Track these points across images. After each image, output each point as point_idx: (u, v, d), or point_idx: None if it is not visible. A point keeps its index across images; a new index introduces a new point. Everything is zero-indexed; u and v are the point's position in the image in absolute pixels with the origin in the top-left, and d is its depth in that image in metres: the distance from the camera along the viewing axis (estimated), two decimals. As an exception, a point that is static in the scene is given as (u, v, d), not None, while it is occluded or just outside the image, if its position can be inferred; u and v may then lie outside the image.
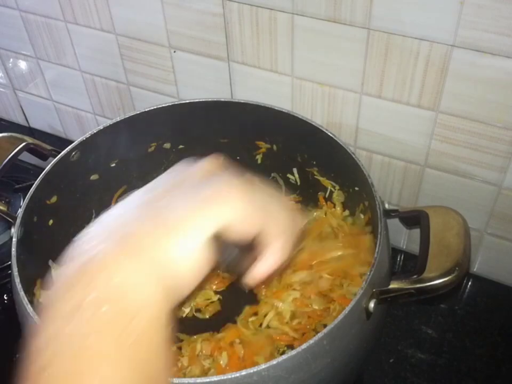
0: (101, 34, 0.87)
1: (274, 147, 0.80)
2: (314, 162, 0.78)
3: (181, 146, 0.82)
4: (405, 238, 0.87)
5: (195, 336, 0.69)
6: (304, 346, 0.49)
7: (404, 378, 0.73)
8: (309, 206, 0.80)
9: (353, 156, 0.66)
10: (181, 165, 0.43)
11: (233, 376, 0.48)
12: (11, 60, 1.03)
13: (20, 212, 0.64)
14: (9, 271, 0.58)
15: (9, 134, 0.74)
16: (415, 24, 0.62)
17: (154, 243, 0.35)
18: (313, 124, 0.71)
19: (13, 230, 0.62)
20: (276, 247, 0.41)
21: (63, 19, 0.89)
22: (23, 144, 0.71)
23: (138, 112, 0.74)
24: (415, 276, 0.55)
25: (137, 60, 0.88)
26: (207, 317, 0.74)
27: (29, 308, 0.54)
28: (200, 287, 0.75)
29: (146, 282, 0.33)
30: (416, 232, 0.76)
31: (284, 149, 0.80)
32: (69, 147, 0.71)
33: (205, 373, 0.66)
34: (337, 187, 0.77)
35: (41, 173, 0.68)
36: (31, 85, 1.06)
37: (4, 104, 1.14)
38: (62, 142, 1.08)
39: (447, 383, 0.73)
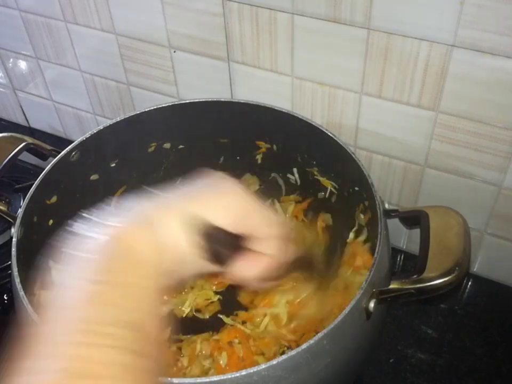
0: (101, 34, 0.87)
1: (274, 147, 0.80)
2: (314, 162, 0.78)
3: (181, 146, 0.82)
4: (405, 238, 0.87)
5: (195, 336, 0.69)
6: (304, 346, 0.49)
7: (403, 378, 0.73)
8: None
9: (353, 156, 0.66)
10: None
11: (233, 376, 0.48)
12: (11, 59, 1.03)
13: (20, 212, 0.64)
14: (9, 271, 0.58)
15: (9, 134, 0.74)
16: (415, 24, 0.62)
17: (160, 220, 0.39)
18: (313, 123, 0.71)
19: (13, 230, 0.62)
20: (269, 248, 0.42)
21: (63, 19, 0.89)
22: (23, 144, 0.71)
23: (138, 112, 0.74)
24: (415, 276, 0.55)
25: (137, 59, 0.88)
26: (207, 317, 0.74)
27: (29, 308, 0.54)
28: (201, 286, 0.75)
29: (148, 245, 0.37)
30: (416, 232, 0.76)
31: (284, 149, 0.80)
32: (69, 147, 0.70)
33: (205, 373, 0.66)
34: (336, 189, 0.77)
35: (41, 173, 0.68)
36: (31, 85, 1.06)
37: (4, 104, 1.14)
38: (62, 142, 1.08)
39: (447, 383, 0.73)
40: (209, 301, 0.75)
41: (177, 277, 0.40)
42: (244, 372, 0.48)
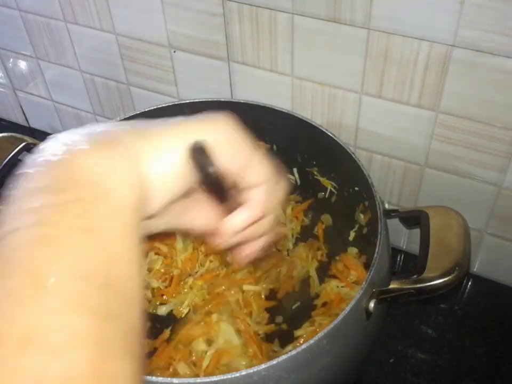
0: (101, 34, 0.87)
1: (274, 147, 0.80)
2: (314, 162, 0.78)
3: (181, 146, 0.81)
4: (405, 238, 0.87)
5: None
6: (304, 346, 0.49)
7: (403, 378, 0.73)
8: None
9: (353, 156, 0.66)
10: None
11: (233, 376, 0.48)
12: (11, 60, 1.03)
13: (20, 211, 0.63)
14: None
15: (9, 134, 0.74)
16: (415, 24, 0.62)
17: (133, 144, 0.33)
18: (313, 123, 0.71)
19: (13, 230, 0.62)
20: (258, 198, 0.38)
21: (63, 19, 0.89)
22: (23, 144, 0.71)
23: (138, 112, 0.74)
24: (415, 276, 0.55)
25: (137, 59, 0.88)
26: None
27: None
28: (200, 286, 0.75)
29: (123, 177, 0.31)
30: (416, 232, 0.76)
31: (284, 149, 0.80)
32: (69, 147, 0.70)
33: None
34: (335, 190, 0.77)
35: (41, 173, 0.67)
36: (31, 85, 1.06)
37: (4, 104, 1.14)
38: (62, 142, 1.08)
39: (447, 383, 0.73)
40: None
41: (162, 217, 0.35)
42: (243, 372, 0.48)
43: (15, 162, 0.71)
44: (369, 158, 0.79)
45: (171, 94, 0.90)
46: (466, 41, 0.61)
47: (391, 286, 0.56)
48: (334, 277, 0.74)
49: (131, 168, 0.32)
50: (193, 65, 0.83)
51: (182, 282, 0.76)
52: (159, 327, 0.73)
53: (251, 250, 0.43)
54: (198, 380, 0.47)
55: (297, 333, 0.69)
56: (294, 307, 0.74)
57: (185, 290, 0.75)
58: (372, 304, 0.55)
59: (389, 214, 0.64)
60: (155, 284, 0.76)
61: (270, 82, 0.78)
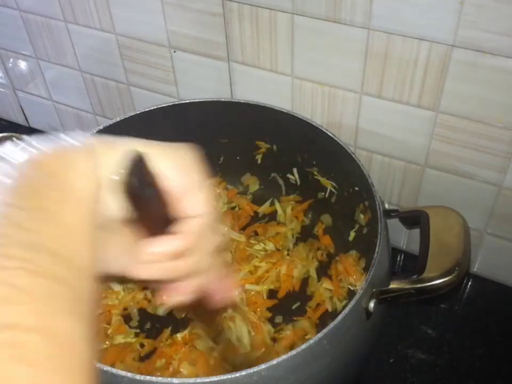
0: (101, 34, 0.87)
1: (274, 147, 0.80)
2: (314, 162, 0.78)
3: (181, 146, 0.81)
4: (405, 238, 0.87)
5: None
6: (304, 346, 0.49)
7: (403, 378, 0.73)
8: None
9: (353, 156, 0.66)
10: None
11: (233, 376, 0.48)
12: (11, 59, 1.03)
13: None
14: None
15: (9, 134, 0.74)
16: (415, 24, 0.62)
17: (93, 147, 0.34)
18: (313, 123, 0.71)
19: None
20: (189, 229, 0.36)
21: (63, 19, 0.89)
22: (23, 144, 0.71)
23: (138, 112, 0.74)
24: (415, 276, 0.55)
25: (137, 59, 0.88)
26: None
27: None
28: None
29: (81, 168, 0.32)
30: (416, 232, 0.76)
31: (284, 149, 0.80)
32: (69, 147, 0.70)
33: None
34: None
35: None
36: (31, 85, 1.06)
37: (4, 104, 1.14)
38: (62, 142, 1.08)
39: (447, 383, 0.73)
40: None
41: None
42: (243, 372, 0.48)
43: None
44: (369, 158, 0.79)
45: (171, 94, 0.90)
46: (466, 41, 0.61)
47: (391, 286, 0.56)
48: (330, 278, 0.74)
49: (89, 164, 0.33)
50: (193, 65, 0.83)
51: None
52: (159, 327, 0.73)
53: (177, 290, 0.38)
54: (198, 380, 0.47)
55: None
56: (294, 307, 0.74)
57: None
58: (372, 304, 0.55)
59: (389, 214, 0.64)
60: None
61: (270, 82, 0.78)
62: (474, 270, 0.84)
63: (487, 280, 0.83)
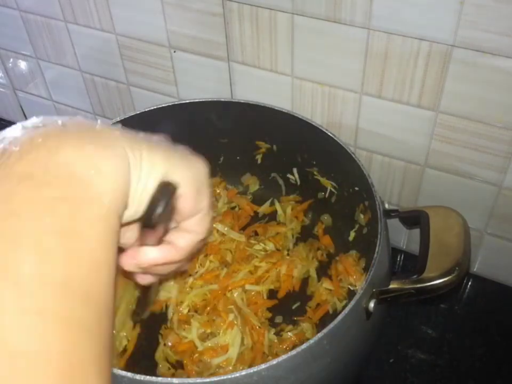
0: (101, 34, 0.87)
1: (274, 147, 0.80)
2: (314, 162, 0.78)
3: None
4: (405, 238, 0.87)
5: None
6: (304, 346, 0.49)
7: (403, 378, 0.73)
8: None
9: (353, 156, 0.66)
10: None
11: (233, 376, 0.48)
12: (11, 59, 1.03)
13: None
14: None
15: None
16: (415, 24, 0.62)
17: (123, 144, 0.32)
18: (313, 123, 0.71)
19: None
20: (184, 244, 0.39)
21: (63, 19, 0.89)
22: (23, 144, 0.71)
23: (138, 112, 0.74)
24: (415, 276, 0.55)
25: (137, 59, 0.88)
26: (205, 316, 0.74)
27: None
28: (199, 286, 0.75)
29: (107, 171, 0.29)
30: (416, 232, 0.76)
31: (284, 149, 0.80)
32: (69, 147, 0.70)
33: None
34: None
35: (41, 173, 0.67)
36: (31, 85, 1.06)
37: (4, 104, 1.14)
38: (62, 142, 1.08)
39: (447, 383, 0.73)
40: (206, 301, 0.75)
41: None
42: (243, 372, 0.48)
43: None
44: (369, 158, 0.79)
45: (171, 94, 0.90)
46: (466, 41, 0.61)
47: (391, 286, 0.56)
48: (330, 278, 0.74)
49: (120, 170, 0.30)
50: (193, 65, 0.83)
51: (181, 282, 0.76)
52: (159, 327, 0.73)
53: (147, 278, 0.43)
54: (198, 380, 0.47)
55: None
56: (294, 307, 0.74)
57: (186, 290, 0.75)
58: (372, 304, 0.55)
59: (389, 214, 0.64)
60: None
61: (270, 82, 0.78)
62: (474, 270, 0.84)
63: (487, 280, 0.83)
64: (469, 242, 0.58)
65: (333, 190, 0.78)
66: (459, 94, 0.66)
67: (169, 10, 0.78)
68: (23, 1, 0.91)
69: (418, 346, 0.76)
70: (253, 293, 0.74)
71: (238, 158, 0.84)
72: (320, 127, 0.70)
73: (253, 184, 0.87)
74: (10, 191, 0.26)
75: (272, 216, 0.84)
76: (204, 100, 0.76)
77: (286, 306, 0.74)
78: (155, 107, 0.75)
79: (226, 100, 0.78)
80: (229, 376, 0.47)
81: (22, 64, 1.03)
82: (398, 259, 0.87)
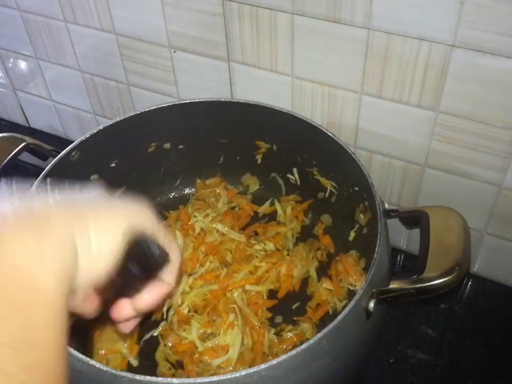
0: (101, 34, 0.87)
1: (274, 147, 0.80)
2: (314, 162, 0.78)
3: (181, 146, 0.82)
4: (405, 238, 0.87)
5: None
6: (304, 346, 0.49)
7: (403, 378, 0.73)
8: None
9: (353, 156, 0.66)
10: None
11: (233, 376, 0.48)
12: (11, 59, 1.03)
13: (20, 212, 0.63)
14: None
15: (9, 134, 0.74)
16: (415, 24, 0.62)
17: (64, 226, 0.33)
18: (313, 123, 0.71)
19: (13, 230, 0.62)
20: (170, 278, 0.43)
21: (63, 19, 0.89)
22: (23, 144, 0.71)
23: (138, 112, 0.74)
24: (415, 276, 0.55)
25: (137, 59, 0.88)
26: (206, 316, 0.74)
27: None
28: (199, 286, 0.75)
29: (49, 262, 0.31)
30: (416, 232, 0.76)
31: (284, 149, 0.80)
32: (69, 147, 0.71)
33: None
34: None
35: (41, 173, 0.68)
36: (31, 85, 1.06)
37: (4, 104, 1.14)
38: (62, 142, 1.08)
39: (447, 383, 0.73)
40: (206, 301, 0.75)
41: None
42: (243, 372, 0.48)
43: (15, 162, 0.71)
44: (369, 158, 0.79)
45: (171, 94, 0.90)
46: (466, 41, 0.61)
47: (391, 286, 0.56)
48: (330, 278, 0.74)
49: (59, 253, 0.32)
50: (193, 65, 0.83)
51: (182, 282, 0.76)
52: (159, 327, 0.73)
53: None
54: (198, 380, 0.47)
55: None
56: (294, 307, 0.74)
57: (186, 290, 0.75)
58: (371, 304, 0.55)
59: (389, 214, 0.64)
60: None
61: (270, 82, 0.78)
62: (474, 270, 0.84)
63: (487, 280, 0.83)
64: (469, 242, 0.58)
65: (333, 190, 0.78)
66: (459, 94, 0.66)
67: (169, 10, 0.78)
68: (23, 1, 0.91)
69: (418, 346, 0.76)
70: (253, 293, 0.74)
71: (238, 158, 0.84)
72: (320, 127, 0.70)
73: (253, 184, 0.87)
74: None
75: (272, 216, 0.84)
76: (204, 100, 0.76)
77: (286, 306, 0.74)
78: (155, 107, 0.75)
79: (226, 100, 0.78)
80: (229, 376, 0.47)
81: (22, 64, 1.03)
82: (398, 259, 0.87)
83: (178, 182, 0.87)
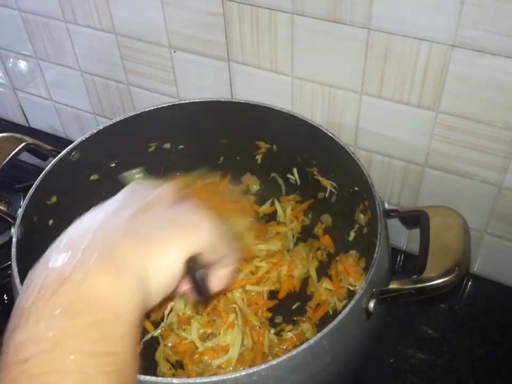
0: (101, 34, 0.87)
1: (274, 147, 0.80)
2: (314, 162, 0.78)
3: (181, 146, 0.82)
4: (405, 238, 0.87)
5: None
6: (304, 346, 0.49)
7: (403, 378, 0.73)
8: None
9: (353, 156, 0.66)
10: (135, 187, 0.46)
11: (233, 376, 0.48)
12: (11, 59, 1.03)
13: (20, 212, 0.64)
14: (9, 271, 0.58)
15: (9, 134, 0.74)
16: (415, 24, 0.62)
17: (135, 258, 0.38)
18: (313, 123, 0.71)
19: (13, 230, 0.62)
20: (229, 257, 0.45)
21: (63, 19, 0.89)
22: (23, 144, 0.71)
23: (138, 112, 0.74)
24: (415, 276, 0.55)
25: (137, 59, 0.88)
26: (205, 316, 0.74)
27: (29, 307, 0.54)
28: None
29: (127, 293, 0.36)
30: (416, 232, 0.76)
31: (284, 149, 0.80)
32: (69, 147, 0.70)
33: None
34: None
35: (41, 173, 0.68)
36: (31, 85, 1.06)
37: (4, 104, 1.14)
38: (62, 142, 1.08)
39: (447, 383, 0.73)
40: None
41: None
42: (243, 372, 0.48)
43: (15, 162, 0.71)
44: (369, 158, 0.79)
45: (171, 94, 0.90)
46: (466, 41, 0.61)
47: (391, 286, 0.56)
48: (330, 278, 0.74)
49: (134, 284, 0.37)
50: (193, 65, 0.83)
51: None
52: (159, 327, 0.73)
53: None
54: (198, 380, 0.47)
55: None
56: (294, 307, 0.74)
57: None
58: (371, 304, 0.55)
59: (389, 214, 0.64)
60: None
61: (270, 82, 0.78)
62: (474, 270, 0.84)
63: (487, 280, 0.83)
64: (469, 242, 0.58)
65: (333, 190, 0.78)
66: (459, 94, 0.66)
67: (169, 10, 0.78)
68: (23, 1, 0.91)
69: (418, 346, 0.76)
70: (253, 293, 0.74)
71: (238, 158, 0.84)
72: (320, 127, 0.70)
73: (253, 184, 0.87)
74: (49, 324, 0.33)
75: (272, 216, 0.84)
76: (203, 100, 0.76)
77: (286, 307, 0.74)
78: (155, 107, 0.75)
79: (226, 100, 0.78)
80: (229, 376, 0.47)
81: (22, 64, 1.03)
82: (398, 259, 0.87)
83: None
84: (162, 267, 0.39)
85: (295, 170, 0.82)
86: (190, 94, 0.87)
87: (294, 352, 0.49)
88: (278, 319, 0.73)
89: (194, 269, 0.41)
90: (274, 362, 0.48)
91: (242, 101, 0.75)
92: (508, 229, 0.76)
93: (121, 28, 0.85)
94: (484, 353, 0.75)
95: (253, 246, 0.77)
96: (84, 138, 0.71)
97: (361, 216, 0.72)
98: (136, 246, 0.38)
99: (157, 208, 0.42)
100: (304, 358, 0.50)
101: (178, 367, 0.69)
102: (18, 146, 0.71)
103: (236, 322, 0.69)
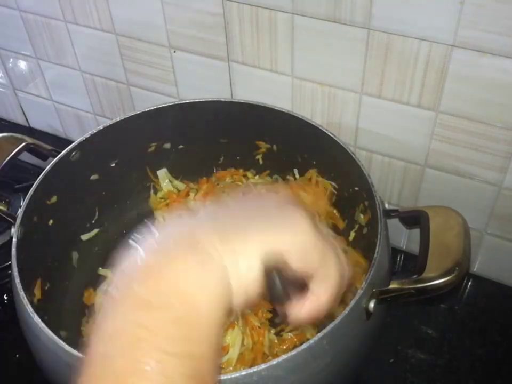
0: (101, 34, 0.87)
1: (274, 147, 0.80)
2: (314, 162, 0.78)
3: (181, 146, 0.82)
4: (405, 238, 0.87)
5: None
6: (304, 346, 0.49)
7: (403, 378, 0.73)
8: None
9: (353, 156, 0.66)
10: (254, 193, 0.43)
11: (233, 376, 0.48)
12: (11, 59, 1.03)
13: (20, 212, 0.64)
14: (9, 271, 0.58)
15: (9, 134, 0.74)
16: (415, 24, 0.62)
17: (220, 254, 0.35)
18: (313, 123, 0.71)
19: (13, 230, 0.62)
20: (324, 291, 0.39)
21: (63, 19, 0.89)
22: (23, 144, 0.71)
23: (138, 112, 0.74)
24: (415, 276, 0.55)
25: (137, 59, 0.88)
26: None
27: (29, 307, 0.54)
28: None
29: (213, 286, 0.34)
30: (416, 232, 0.76)
31: (284, 149, 0.80)
32: (69, 147, 0.71)
33: None
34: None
35: (41, 173, 0.68)
36: (31, 85, 1.06)
37: (4, 104, 1.14)
38: (62, 142, 1.08)
39: (447, 383, 0.73)
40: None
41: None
42: (243, 372, 0.48)
43: (15, 162, 0.71)
44: (369, 158, 0.79)
45: (171, 94, 0.90)
46: (466, 41, 0.61)
47: (391, 286, 0.56)
48: None
49: (217, 278, 0.34)
50: (193, 65, 0.83)
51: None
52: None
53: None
54: (198, 380, 0.47)
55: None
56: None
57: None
58: (371, 304, 0.55)
59: (389, 214, 0.64)
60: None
61: (270, 82, 0.78)
62: (474, 270, 0.84)
63: (487, 280, 0.83)
64: (469, 242, 0.58)
65: (333, 190, 0.78)
66: (459, 94, 0.66)
67: (169, 10, 0.78)
68: (23, 1, 0.91)
69: (418, 346, 0.76)
70: None
71: (238, 158, 0.84)
72: (320, 127, 0.70)
73: (253, 184, 0.87)
74: (132, 319, 0.32)
75: (272, 216, 0.84)
76: (203, 100, 0.76)
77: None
78: (155, 107, 0.75)
79: (226, 100, 0.78)
80: (229, 376, 0.47)
81: (22, 64, 1.03)
82: (398, 259, 0.87)
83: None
84: (245, 265, 0.35)
85: (295, 170, 0.82)
86: (190, 94, 0.87)
87: (294, 352, 0.49)
88: (278, 319, 0.73)
89: (275, 274, 0.36)
90: (274, 362, 0.48)
91: (242, 101, 0.75)
92: (508, 229, 0.76)
93: (121, 28, 0.85)
94: (483, 353, 0.75)
95: None
96: (84, 138, 0.72)
97: (361, 216, 0.72)
98: (216, 238, 0.35)
99: (261, 210, 0.38)
100: (304, 358, 0.50)
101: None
102: (18, 146, 0.71)
103: (235, 322, 0.69)
